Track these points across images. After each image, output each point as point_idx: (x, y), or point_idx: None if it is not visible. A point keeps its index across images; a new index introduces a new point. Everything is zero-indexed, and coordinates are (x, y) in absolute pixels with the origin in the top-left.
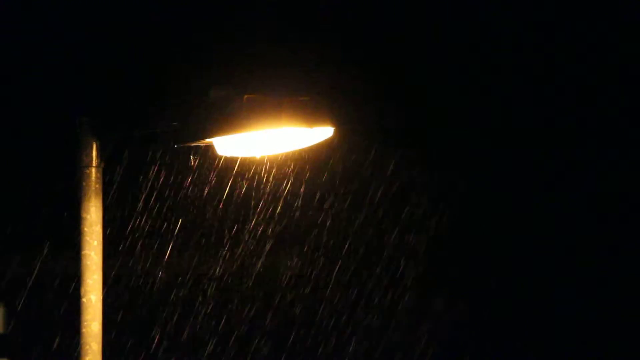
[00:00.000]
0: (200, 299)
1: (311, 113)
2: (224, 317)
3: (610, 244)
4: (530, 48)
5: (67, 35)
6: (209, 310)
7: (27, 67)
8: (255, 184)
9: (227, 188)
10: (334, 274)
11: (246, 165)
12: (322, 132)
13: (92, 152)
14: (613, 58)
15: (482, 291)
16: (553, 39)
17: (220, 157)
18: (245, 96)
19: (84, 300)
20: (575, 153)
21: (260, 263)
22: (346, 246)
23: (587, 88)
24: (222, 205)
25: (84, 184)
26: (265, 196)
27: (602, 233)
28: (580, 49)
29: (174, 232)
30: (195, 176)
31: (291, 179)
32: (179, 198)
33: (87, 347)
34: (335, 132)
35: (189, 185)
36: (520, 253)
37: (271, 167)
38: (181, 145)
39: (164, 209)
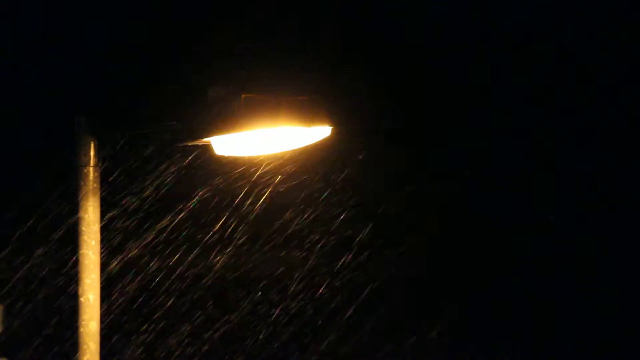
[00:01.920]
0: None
1: (309, 112)
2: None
3: (611, 245)
4: (529, 48)
5: (65, 34)
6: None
7: (25, 66)
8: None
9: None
10: (331, 272)
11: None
12: (320, 132)
13: (90, 152)
14: (613, 58)
15: (481, 291)
16: (554, 39)
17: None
18: (244, 95)
19: (82, 299)
20: (575, 153)
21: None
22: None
23: (587, 88)
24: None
25: (81, 183)
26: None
27: (601, 233)
28: (581, 49)
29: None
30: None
31: (286, 180)
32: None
33: (85, 346)
34: (333, 131)
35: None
36: (519, 253)
37: (262, 167)
38: (179, 145)
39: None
